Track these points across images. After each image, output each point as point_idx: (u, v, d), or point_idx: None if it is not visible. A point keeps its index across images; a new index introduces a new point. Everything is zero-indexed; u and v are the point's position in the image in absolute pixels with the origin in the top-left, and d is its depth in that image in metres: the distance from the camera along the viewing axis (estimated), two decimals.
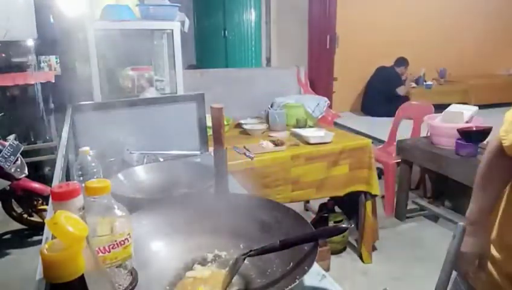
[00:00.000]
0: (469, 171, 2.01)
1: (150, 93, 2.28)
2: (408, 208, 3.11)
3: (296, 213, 0.88)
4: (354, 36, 4.64)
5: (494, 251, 1.03)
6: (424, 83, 5.23)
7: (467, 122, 2.57)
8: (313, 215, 2.84)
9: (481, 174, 1.00)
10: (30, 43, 3.25)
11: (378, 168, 2.73)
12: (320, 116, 2.93)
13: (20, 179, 2.53)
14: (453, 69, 5.56)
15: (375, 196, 2.46)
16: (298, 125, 2.62)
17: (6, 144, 2.43)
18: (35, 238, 2.84)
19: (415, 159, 2.88)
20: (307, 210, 3.15)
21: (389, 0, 5.04)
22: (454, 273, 1.11)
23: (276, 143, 2.23)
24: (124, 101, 1.77)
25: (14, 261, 2.60)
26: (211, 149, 1.50)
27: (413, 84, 5.16)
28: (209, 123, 1.32)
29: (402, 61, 4.75)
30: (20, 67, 3.46)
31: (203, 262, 0.84)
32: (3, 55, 3.35)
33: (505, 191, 1.00)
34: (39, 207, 2.81)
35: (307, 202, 3.15)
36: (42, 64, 3.60)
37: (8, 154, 2.38)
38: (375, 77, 4.82)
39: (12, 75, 3.38)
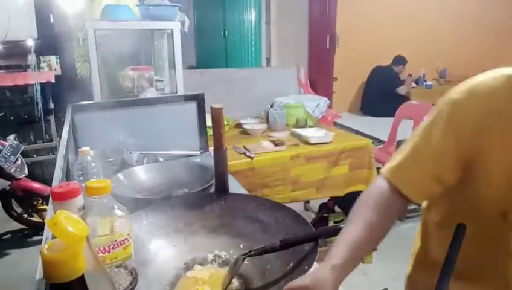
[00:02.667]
0: None
1: (150, 93, 2.28)
2: (408, 208, 3.10)
3: (296, 213, 0.88)
4: (354, 36, 4.63)
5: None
6: (424, 83, 5.23)
7: None
8: (313, 215, 2.84)
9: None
10: (30, 43, 3.25)
11: (378, 168, 2.72)
12: (320, 116, 2.93)
13: (20, 179, 2.53)
14: (453, 69, 5.55)
15: None
16: (298, 125, 2.62)
17: (6, 144, 2.43)
18: (35, 238, 2.84)
19: None
20: (307, 210, 3.14)
21: (389, 1, 5.04)
22: None
23: (276, 143, 2.22)
24: (124, 101, 1.77)
25: (14, 261, 2.60)
26: (211, 149, 1.50)
27: (413, 84, 5.15)
28: (209, 123, 1.32)
29: (400, 60, 4.73)
30: (20, 67, 3.46)
31: (203, 262, 0.84)
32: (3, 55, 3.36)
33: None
34: (39, 207, 2.81)
35: (307, 202, 3.14)
36: (42, 64, 3.60)
37: (8, 154, 2.37)
38: (373, 76, 4.81)
39: (12, 75, 3.38)
